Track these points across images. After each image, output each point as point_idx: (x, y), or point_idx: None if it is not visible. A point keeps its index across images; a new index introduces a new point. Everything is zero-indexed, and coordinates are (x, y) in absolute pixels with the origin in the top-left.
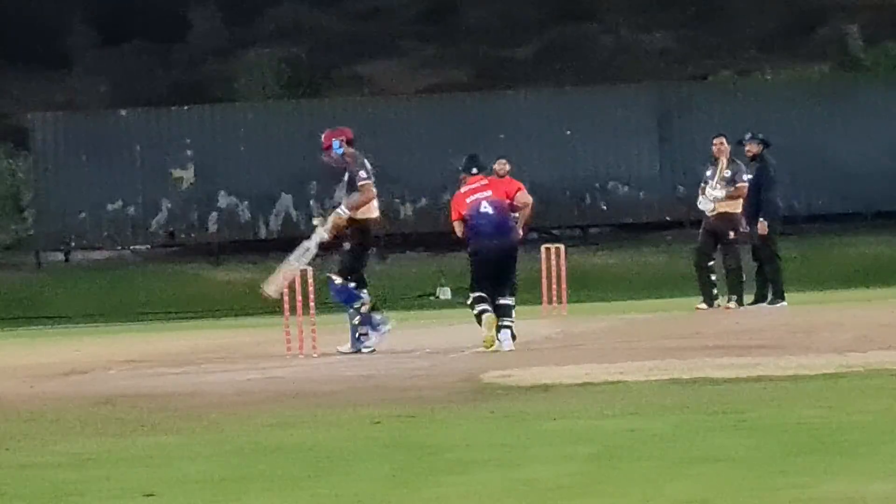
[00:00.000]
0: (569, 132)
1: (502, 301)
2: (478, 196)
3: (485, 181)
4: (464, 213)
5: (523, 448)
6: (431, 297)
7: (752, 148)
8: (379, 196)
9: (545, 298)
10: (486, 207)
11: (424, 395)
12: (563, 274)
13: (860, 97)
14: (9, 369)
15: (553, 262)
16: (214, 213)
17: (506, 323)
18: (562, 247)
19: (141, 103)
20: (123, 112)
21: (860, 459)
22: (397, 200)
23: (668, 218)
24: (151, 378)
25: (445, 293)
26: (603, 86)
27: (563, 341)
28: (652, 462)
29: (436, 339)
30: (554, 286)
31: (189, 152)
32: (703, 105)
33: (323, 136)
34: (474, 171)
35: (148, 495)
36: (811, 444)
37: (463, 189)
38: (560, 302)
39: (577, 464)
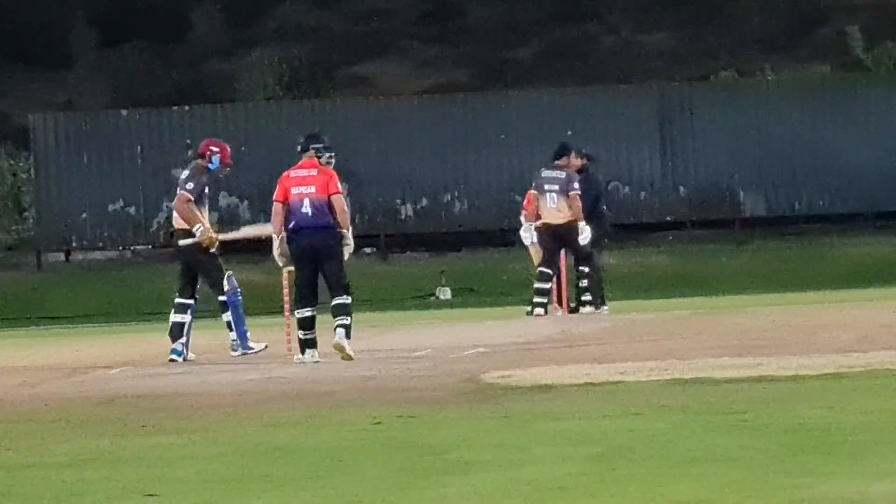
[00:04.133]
0: (570, 133)
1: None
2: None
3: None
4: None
5: (524, 448)
6: (431, 297)
7: (575, 162)
8: (378, 196)
9: None
10: (306, 207)
11: (425, 396)
12: (563, 274)
13: (861, 97)
14: (9, 369)
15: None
16: (215, 213)
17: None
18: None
19: (142, 104)
20: (124, 112)
21: (860, 459)
22: (398, 200)
23: (669, 218)
24: (152, 378)
25: (445, 293)
26: (604, 86)
27: (563, 341)
28: (652, 462)
29: (436, 339)
30: (554, 286)
31: (190, 153)
32: (704, 105)
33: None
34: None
35: (149, 495)
36: (811, 444)
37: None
38: (560, 302)
39: (578, 464)
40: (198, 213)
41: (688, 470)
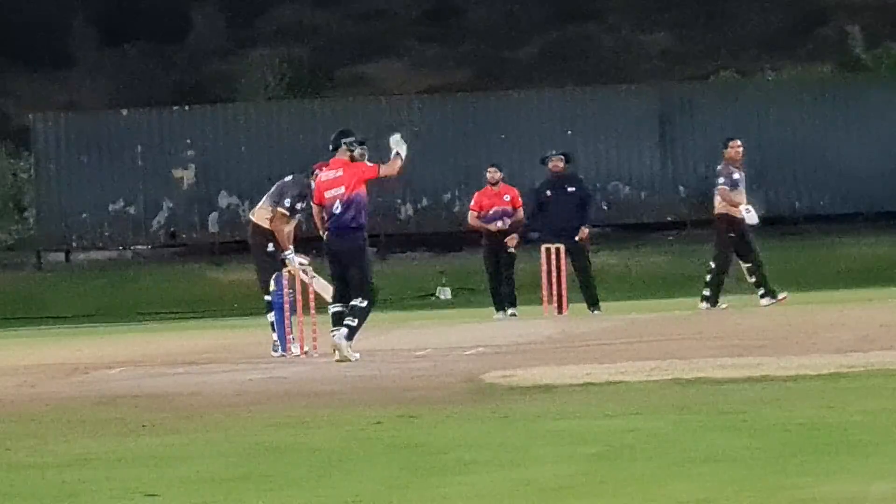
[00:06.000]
0: (570, 133)
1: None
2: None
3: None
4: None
5: (524, 448)
6: (432, 297)
7: (557, 164)
8: (378, 196)
9: (545, 298)
10: (337, 207)
11: (426, 396)
12: (563, 274)
13: (862, 97)
14: (10, 369)
15: (553, 262)
16: (215, 213)
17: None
18: (562, 247)
19: (142, 103)
20: (125, 112)
21: (860, 459)
22: (398, 200)
23: (669, 218)
24: (152, 378)
25: (446, 293)
26: (604, 86)
27: (564, 341)
28: (653, 462)
29: (436, 339)
30: (554, 286)
31: (190, 152)
32: (704, 105)
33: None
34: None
35: (150, 495)
36: (811, 444)
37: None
38: (560, 302)
39: (579, 464)
40: (288, 235)
41: (688, 470)
